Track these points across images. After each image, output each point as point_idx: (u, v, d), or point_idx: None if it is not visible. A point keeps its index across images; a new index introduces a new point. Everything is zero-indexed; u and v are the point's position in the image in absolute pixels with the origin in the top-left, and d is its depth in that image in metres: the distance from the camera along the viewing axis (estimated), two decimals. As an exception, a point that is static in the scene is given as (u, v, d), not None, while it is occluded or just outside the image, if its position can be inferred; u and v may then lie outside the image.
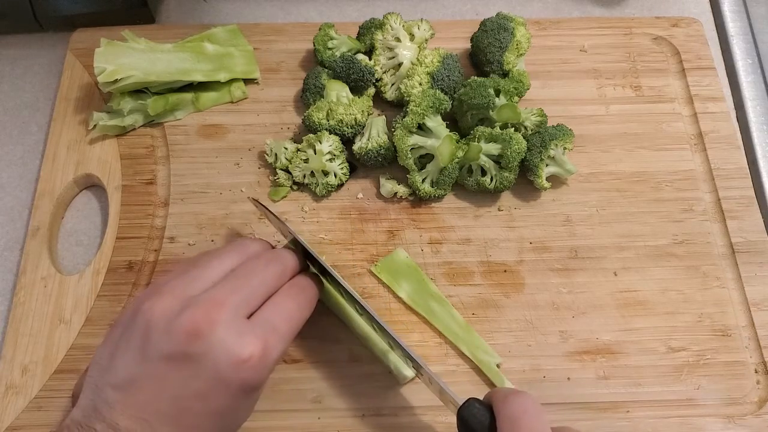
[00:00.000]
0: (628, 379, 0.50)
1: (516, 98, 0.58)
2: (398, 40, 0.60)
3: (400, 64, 0.59)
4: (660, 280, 0.54)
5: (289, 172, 0.57)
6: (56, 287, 0.53)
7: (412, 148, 0.55)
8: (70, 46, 0.64)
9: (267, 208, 0.49)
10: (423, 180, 0.55)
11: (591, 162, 0.59)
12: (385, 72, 0.60)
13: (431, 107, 0.54)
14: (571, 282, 0.54)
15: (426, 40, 0.61)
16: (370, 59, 0.60)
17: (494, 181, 0.55)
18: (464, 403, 0.39)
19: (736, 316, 0.53)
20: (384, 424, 0.48)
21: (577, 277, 0.54)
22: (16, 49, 0.66)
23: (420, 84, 0.57)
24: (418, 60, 0.58)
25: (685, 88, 0.63)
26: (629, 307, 0.53)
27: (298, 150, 0.57)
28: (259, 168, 0.59)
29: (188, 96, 0.60)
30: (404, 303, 0.53)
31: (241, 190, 0.57)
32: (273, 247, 0.47)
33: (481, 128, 0.56)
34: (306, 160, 0.55)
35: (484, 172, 0.56)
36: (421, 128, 0.55)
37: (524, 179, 0.57)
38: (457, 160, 0.55)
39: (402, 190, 0.56)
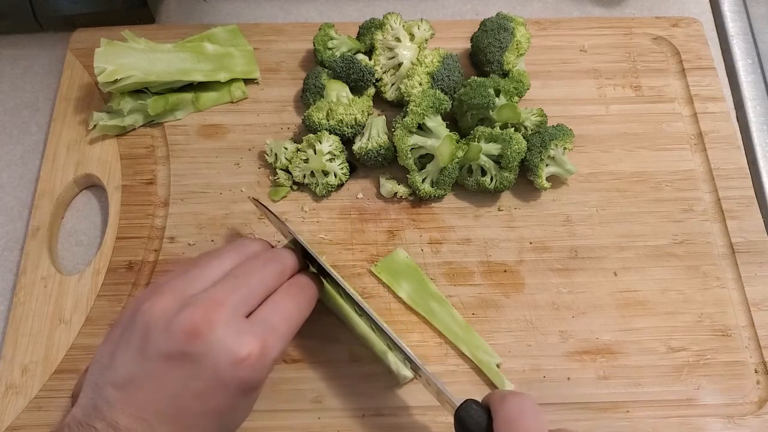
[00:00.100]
0: (628, 379, 0.50)
1: (516, 98, 0.58)
2: (398, 40, 0.60)
3: (400, 64, 0.59)
4: (660, 280, 0.54)
5: (289, 172, 0.57)
6: (56, 287, 0.53)
7: (412, 148, 0.55)
8: (70, 46, 0.64)
9: (267, 208, 0.49)
10: (423, 180, 0.55)
11: (591, 162, 0.59)
12: (385, 72, 0.60)
13: (431, 107, 0.54)
14: (571, 282, 0.54)
15: (426, 40, 0.61)
16: (370, 59, 0.60)
17: (494, 181, 0.55)
18: (461, 405, 0.39)
19: (736, 316, 0.53)
20: (384, 424, 0.48)
21: (577, 277, 0.54)
22: (16, 49, 0.66)
23: (420, 84, 0.57)
24: (418, 60, 0.58)
25: (685, 88, 0.63)
26: (629, 307, 0.53)
27: (298, 150, 0.57)
28: (259, 168, 0.59)
29: (188, 96, 0.60)
30: (404, 303, 0.53)
31: (241, 190, 0.57)
32: (273, 247, 0.47)
33: (481, 128, 0.56)
34: (306, 160, 0.56)
35: (484, 172, 0.56)
36: (421, 128, 0.55)
37: (524, 179, 0.57)
38: (457, 160, 0.55)
39: (402, 190, 0.56)
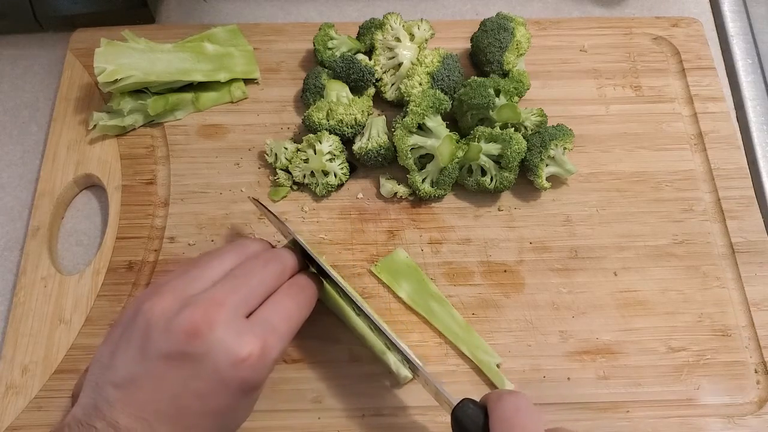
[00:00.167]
0: (628, 379, 0.50)
1: (516, 98, 0.58)
2: (398, 40, 0.60)
3: (400, 64, 0.59)
4: (660, 280, 0.54)
5: (289, 172, 0.57)
6: (56, 287, 0.53)
7: (412, 148, 0.55)
8: (70, 46, 0.64)
9: (267, 208, 0.49)
10: (423, 180, 0.55)
11: (591, 162, 0.59)
12: (385, 72, 0.60)
13: (431, 107, 0.54)
14: (571, 282, 0.54)
15: (426, 40, 0.61)
16: (370, 59, 0.60)
17: (494, 181, 0.55)
18: (458, 404, 0.39)
19: (736, 316, 0.53)
20: (384, 424, 0.48)
21: (577, 277, 0.54)
22: (16, 49, 0.66)
23: (420, 84, 0.57)
24: (418, 60, 0.58)
25: (685, 88, 0.63)
26: (629, 307, 0.53)
27: (298, 150, 0.57)
28: (259, 168, 0.59)
29: (188, 96, 0.60)
30: (404, 303, 0.53)
31: (241, 190, 0.57)
32: (273, 247, 0.47)
33: (481, 128, 0.56)
34: (306, 160, 0.56)
35: (484, 172, 0.56)
36: (421, 128, 0.55)
37: (524, 179, 0.57)
38: (457, 160, 0.55)
39: (402, 190, 0.56)
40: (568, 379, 0.50)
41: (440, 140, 0.54)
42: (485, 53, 0.59)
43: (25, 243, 0.55)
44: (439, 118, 0.55)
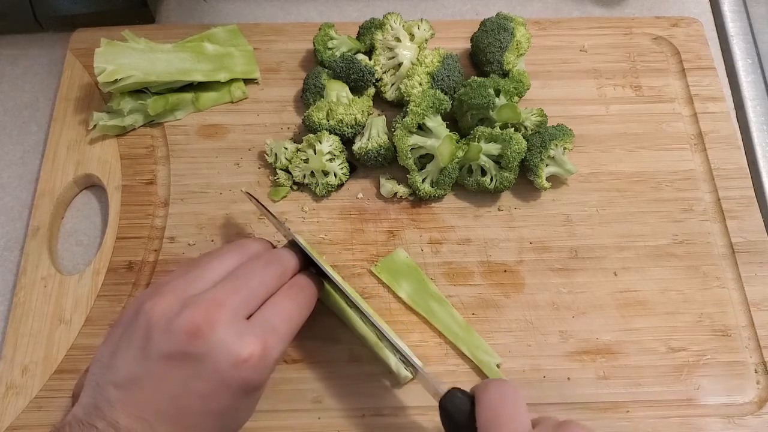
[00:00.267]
0: (628, 379, 0.50)
1: (516, 98, 0.58)
2: (398, 40, 0.60)
3: (400, 64, 0.59)
4: (660, 280, 0.54)
5: (289, 172, 0.57)
6: (56, 287, 0.53)
7: (412, 148, 0.55)
8: (70, 46, 0.64)
9: (262, 204, 0.49)
10: (423, 180, 0.55)
11: (591, 162, 0.59)
12: (385, 72, 0.60)
13: (431, 107, 0.54)
14: (571, 282, 0.54)
15: (426, 40, 0.61)
16: (370, 59, 0.60)
17: (494, 181, 0.55)
18: (446, 393, 0.39)
19: (736, 316, 0.53)
20: (384, 424, 0.48)
21: (577, 277, 0.54)
22: (16, 49, 0.66)
23: (420, 84, 0.57)
24: (418, 60, 0.58)
25: (685, 88, 0.63)
26: (629, 307, 0.53)
27: (298, 150, 0.57)
28: (259, 168, 0.59)
29: (188, 96, 0.60)
30: (404, 303, 0.53)
31: (241, 190, 0.57)
32: (274, 247, 0.47)
33: (481, 128, 0.56)
34: (306, 160, 0.56)
35: (484, 172, 0.56)
36: (421, 128, 0.55)
37: (524, 179, 0.57)
38: (457, 160, 0.55)
39: (402, 190, 0.56)
40: (568, 379, 0.50)
41: (440, 140, 0.54)
42: (485, 53, 0.59)
43: (25, 243, 0.55)
44: (439, 118, 0.55)
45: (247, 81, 0.62)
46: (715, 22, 0.69)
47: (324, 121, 0.56)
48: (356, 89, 0.59)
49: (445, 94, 0.56)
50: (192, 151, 0.59)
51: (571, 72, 0.63)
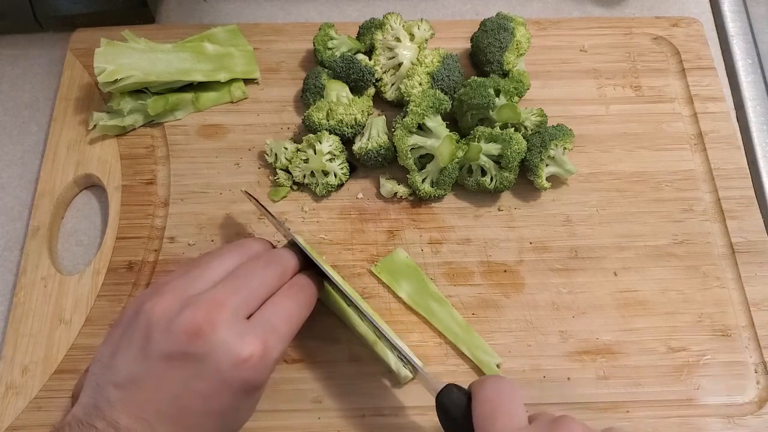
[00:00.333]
0: (628, 379, 0.50)
1: (516, 98, 0.58)
2: (398, 40, 0.60)
3: (400, 64, 0.59)
4: (660, 280, 0.54)
5: (289, 172, 0.57)
6: (56, 287, 0.53)
7: (412, 148, 0.55)
8: (70, 46, 0.64)
9: (262, 204, 0.49)
10: (423, 180, 0.55)
11: (591, 162, 0.59)
12: (385, 72, 0.60)
13: (431, 107, 0.54)
14: (571, 282, 0.54)
15: (426, 40, 0.61)
16: (370, 59, 0.60)
17: (494, 181, 0.55)
18: (443, 388, 0.39)
19: (736, 316, 0.53)
20: (384, 424, 0.48)
21: (577, 277, 0.54)
22: (16, 49, 0.66)
23: (420, 84, 0.57)
24: (418, 60, 0.58)
25: (685, 88, 0.63)
26: (629, 307, 0.53)
27: (298, 150, 0.57)
28: (259, 168, 0.59)
29: (188, 96, 0.60)
30: (404, 303, 0.53)
31: (241, 190, 0.57)
32: (274, 247, 0.47)
33: (481, 128, 0.56)
34: (306, 160, 0.56)
35: (484, 172, 0.56)
36: (421, 128, 0.55)
37: (524, 179, 0.57)
38: (457, 160, 0.55)
39: (402, 190, 0.56)
40: (568, 379, 0.50)
41: (440, 140, 0.54)
42: (485, 53, 0.59)
43: (25, 243, 0.55)
44: (439, 118, 0.55)
45: (247, 81, 0.62)
46: (715, 22, 0.69)
47: (324, 121, 0.56)
48: (356, 89, 0.59)
49: (445, 94, 0.56)
50: (192, 151, 0.59)
51: (571, 72, 0.63)
